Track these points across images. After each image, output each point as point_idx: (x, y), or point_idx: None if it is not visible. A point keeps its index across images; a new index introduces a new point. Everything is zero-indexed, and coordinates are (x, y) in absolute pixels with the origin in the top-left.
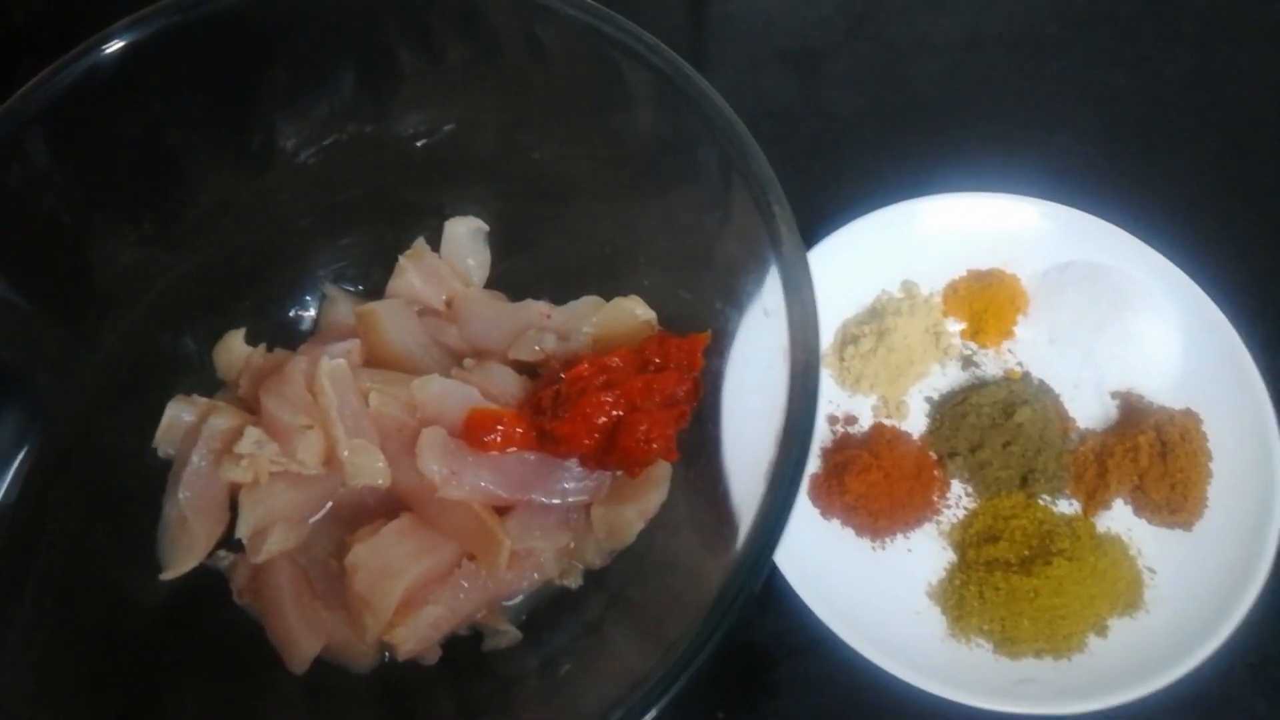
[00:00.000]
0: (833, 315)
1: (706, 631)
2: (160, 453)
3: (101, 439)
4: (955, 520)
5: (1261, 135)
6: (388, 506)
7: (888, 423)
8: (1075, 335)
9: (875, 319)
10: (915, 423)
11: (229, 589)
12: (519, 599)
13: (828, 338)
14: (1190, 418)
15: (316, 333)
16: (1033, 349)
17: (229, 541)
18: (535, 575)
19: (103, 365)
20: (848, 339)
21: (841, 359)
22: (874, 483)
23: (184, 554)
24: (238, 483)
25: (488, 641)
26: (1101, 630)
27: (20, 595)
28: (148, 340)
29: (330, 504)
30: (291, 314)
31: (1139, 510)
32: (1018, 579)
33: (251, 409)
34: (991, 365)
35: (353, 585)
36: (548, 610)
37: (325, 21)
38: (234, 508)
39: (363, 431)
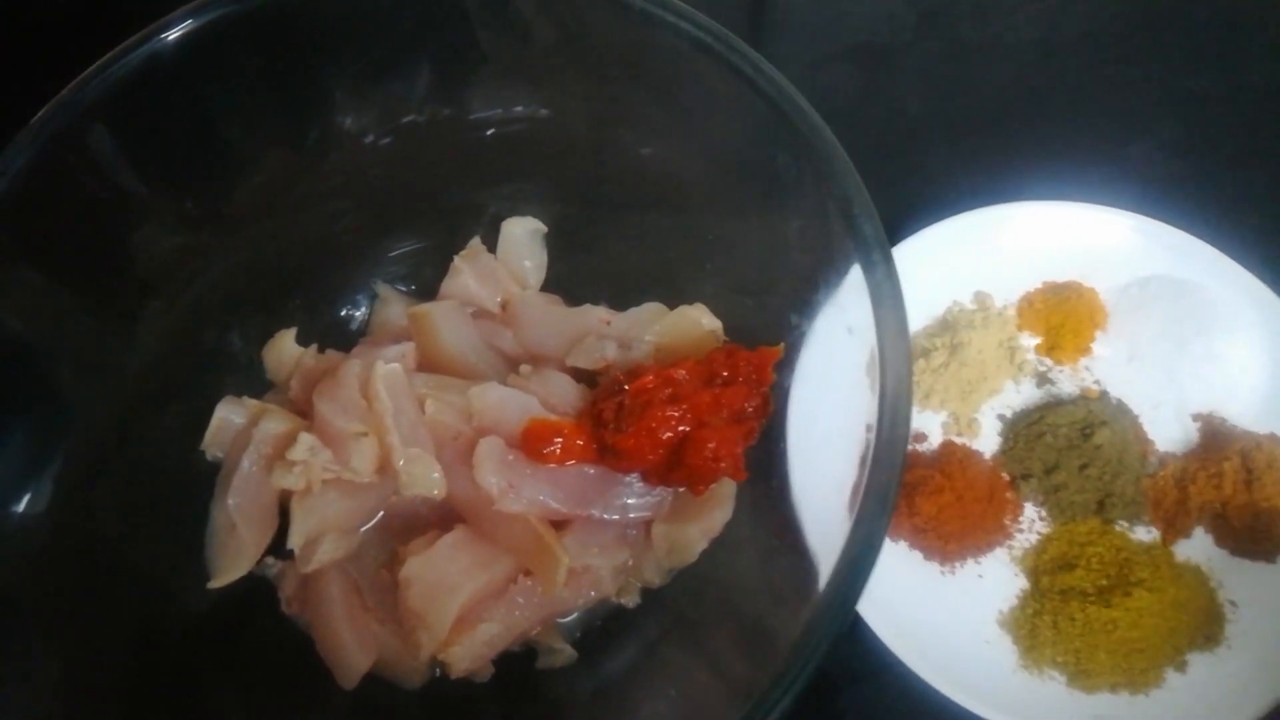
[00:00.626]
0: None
1: (792, 675)
2: (209, 456)
3: (146, 440)
4: (1028, 545)
5: None
6: (441, 517)
7: (958, 441)
8: (1156, 353)
9: (947, 331)
10: (987, 441)
11: (276, 598)
12: (574, 616)
13: None
14: (1277, 444)
15: (368, 334)
16: (1111, 367)
17: (277, 549)
18: (592, 593)
19: (147, 363)
20: (918, 352)
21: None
22: (945, 504)
23: (232, 561)
24: (287, 489)
25: (542, 660)
26: (1180, 665)
27: (63, 601)
28: (193, 338)
29: (382, 513)
30: (342, 313)
31: (1220, 540)
32: (1095, 609)
33: (302, 412)
34: (1067, 383)
35: (406, 600)
36: (603, 629)
37: (387, 8)
38: (283, 514)
39: (418, 440)
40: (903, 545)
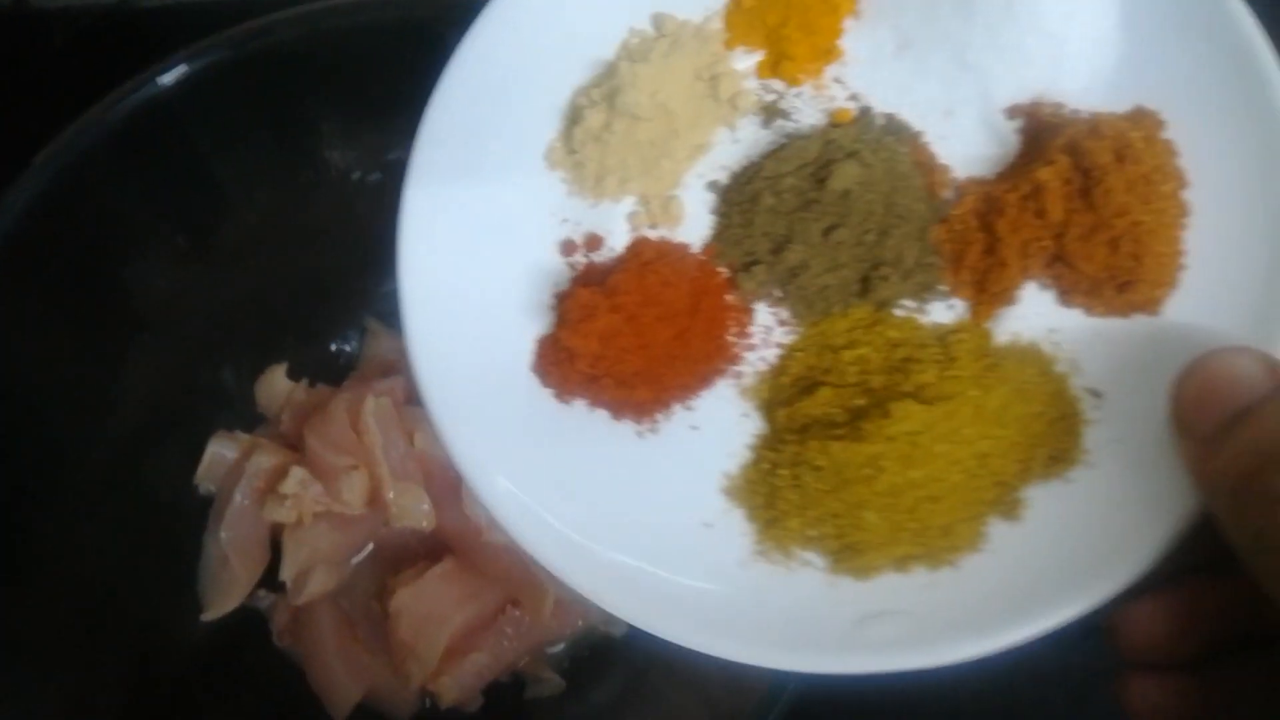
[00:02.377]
0: (556, 86)
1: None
2: (201, 489)
3: (140, 475)
4: (765, 369)
5: None
6: (430, 548)
7: (653, 234)
8: (935, 30)
9: (609, 78)
10: (696, 226)
11: (269, 630)
12: (562, 646)
13: (551, 123)
14: (1140, 122)
15: (359, 369)
16: (873, 70)
17: (269, 581)
18: (580, 622)
19: (141, 399)
20: (575, 117)
21: (572, 150)
22: (612, 333)
23: (225, 594)
24: (279, 522)
25: (530, 690)
26: (1010, 509)
27: (60, 638)
28: (187, 374)
29: (372, 545)
30: (333, 348)
31: (1066, 295)
32: (843, 447)
33: (294, 445)
34: (810, 111)
35: (397, 631)
36: (591, 658)
37: (382, 41)
38: (275, 547)
39: (408, 472)
40: (581, 407)
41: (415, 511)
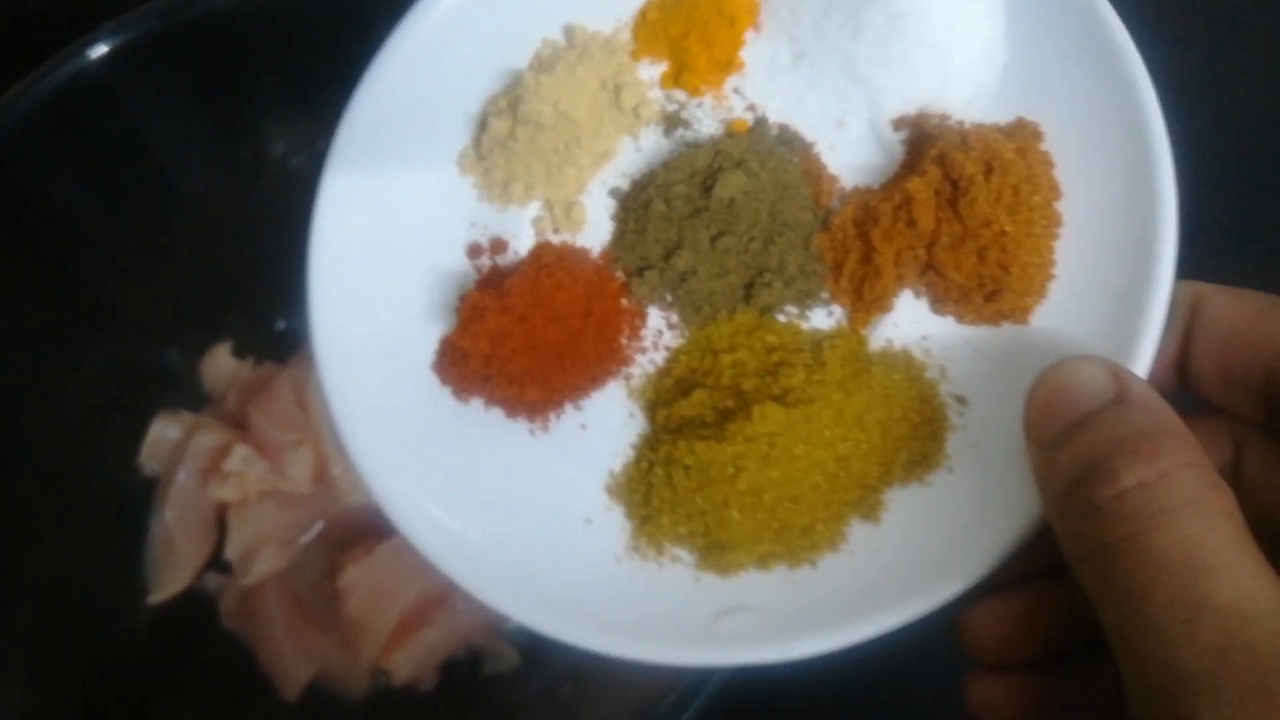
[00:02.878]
0: (472, 93)
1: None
2: (146, 471)
3: (87, 457)
4: (653, 370)
5: None
6: (381, 525)
7: (556, 239)
8: (827, 42)
9: (515, 87)
10: (597, 231)
11: (218, 612)
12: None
13: (466, 129)
14: (1016, 134)
15: (306, 345)
16: (770, 81)
17: (217, 563)
18: None
19: (86, 383)
20: (483, 125)
21: (481, 156)
22: (501, 334)
23: (171, 576)
24: (226, 502)
25: (487, 665)
26: (870, 510)
27: (5, 619)
28: (133, 355)
29: (322, 523)
30: (280, 326)
31: (938, 303)
32: (706, 447)
33: (240, 425)
34: (709, 120)
35: (346, 608)
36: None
37: (317, 21)
38: (222, 528)
39: None
40: (478, 407)
41: (362, 486)
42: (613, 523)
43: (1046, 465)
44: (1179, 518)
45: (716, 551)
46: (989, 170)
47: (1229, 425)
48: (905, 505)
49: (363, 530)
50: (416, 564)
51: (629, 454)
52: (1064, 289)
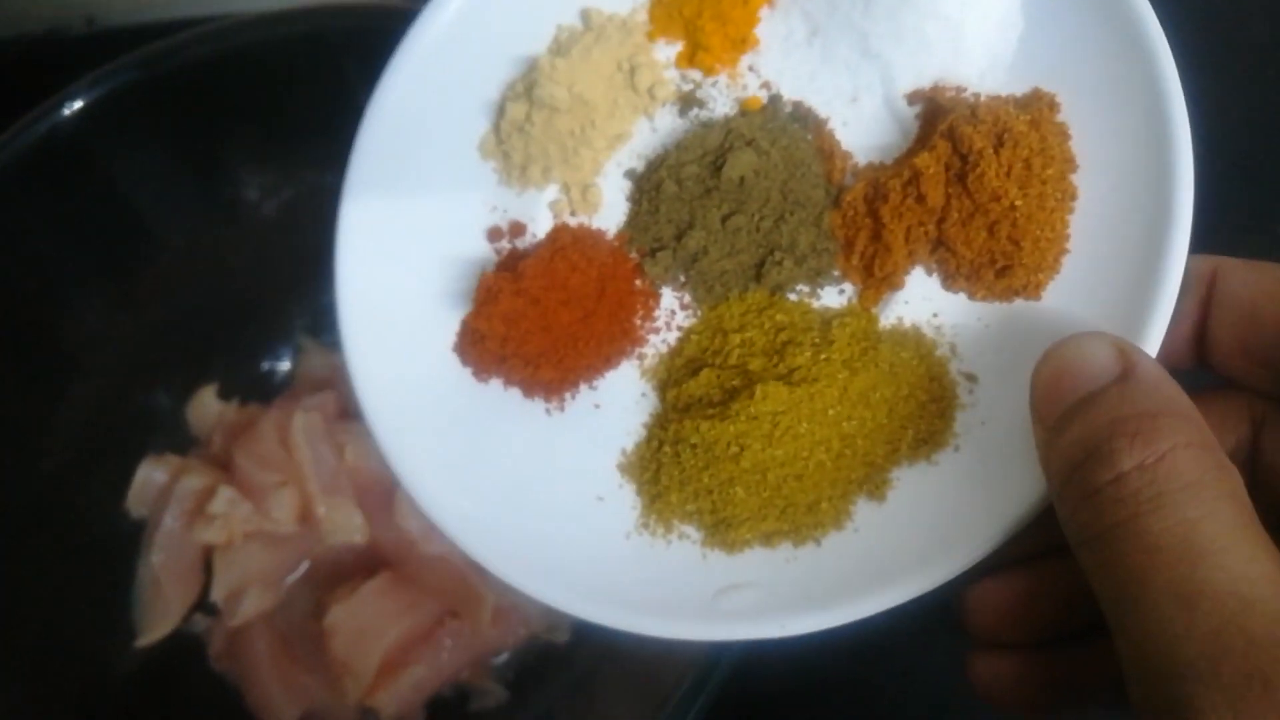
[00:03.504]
0: (491, 81)
1: (696, 688)
2: (133, 514)
3: (75, 500)
4: (665, 350)
5: None
6: (367, 564)
7: (572, 221)
8: (840, 17)
9: (530, 72)
10: (613, 213)
11: (205, 654)
12: (505, 656)
13: (486, 117)
14: (1031, 106)
15: (291, 386)
16: (784, 58)
17: (204, 605)
18: (521, 631)
19: (73, 424)
20: (501, 110)
21: (499, 141)
22: (516, 316)
23: (158, 619)
24: (212, 544)
25: (474, 702)
26: (877, 488)
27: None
28: (119, 397)
29: (307, 563)
30: (266, 367)
31: (949, 279)
32: (710, 425)
33: (225, 466)
34: (724, 100)
35: (332, 648)
36: (535, 667)
37: (292, 67)
38: (209, 569)
39: (339, 487)
40: (497, 387)
41: (347, 526)
42: (624, 500)
43: (1049, 446)
44: (1177, 501)
45: (722, 529)
46: (999, 143)
47: (1247, 402)
48: (912, 484)
49: (347, 570)
50: (402, 602)
51: (641, 433)
52: (1078, 263)
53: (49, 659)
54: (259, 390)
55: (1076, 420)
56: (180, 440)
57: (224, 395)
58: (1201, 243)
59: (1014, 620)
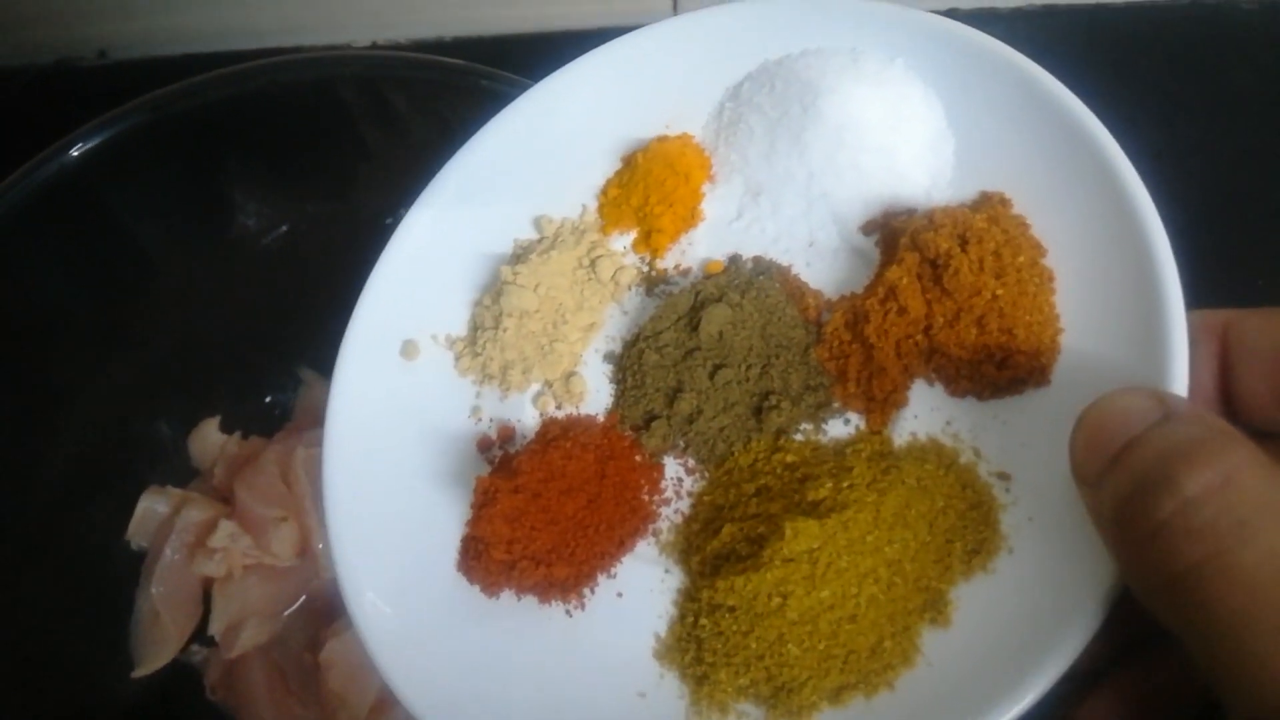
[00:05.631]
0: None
1: None
2: (134, 545)
3: (76, 530)
4: (680, 519)
5: None
6: None
7: (560, 414)
8: (778, 171)
9: (495, 281)
10: (600, 399)
11: (202, 685)
12: None
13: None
14: (983, 205)
15: (292, 420)
16: (736, 221)
17: (202, 636)
18: None
19: (76, 455)
20: (474, 323)
21: (475, 353)
22: (517, 514)
23: (157, 650)
24: (211, 576)
25: None
26: (939, 613)
27: None
28: (121, 429)
29: (304, 597)
30: (268, 400)
31: (951, 384)
32: (745, 580)
33: (226, 498)
34: (687, 270)
35: (328, 682)
36: None
37: (293, 109)
38: (207, 601)
39: None
40: (509, 599)
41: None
42: (668, 691)
43: (1096, 499)
44: (1263, 526)
45: (784, 697)
46: (964, 242)
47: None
48: (975, 599)
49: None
50: None
51: (672, 613)
52: (1078, 341)
53: (48, 687)
54: (261, 423)
55: (1122, 463)
56: (182, 472)
57: (226, 428)
58: (1208, 291)
59: None
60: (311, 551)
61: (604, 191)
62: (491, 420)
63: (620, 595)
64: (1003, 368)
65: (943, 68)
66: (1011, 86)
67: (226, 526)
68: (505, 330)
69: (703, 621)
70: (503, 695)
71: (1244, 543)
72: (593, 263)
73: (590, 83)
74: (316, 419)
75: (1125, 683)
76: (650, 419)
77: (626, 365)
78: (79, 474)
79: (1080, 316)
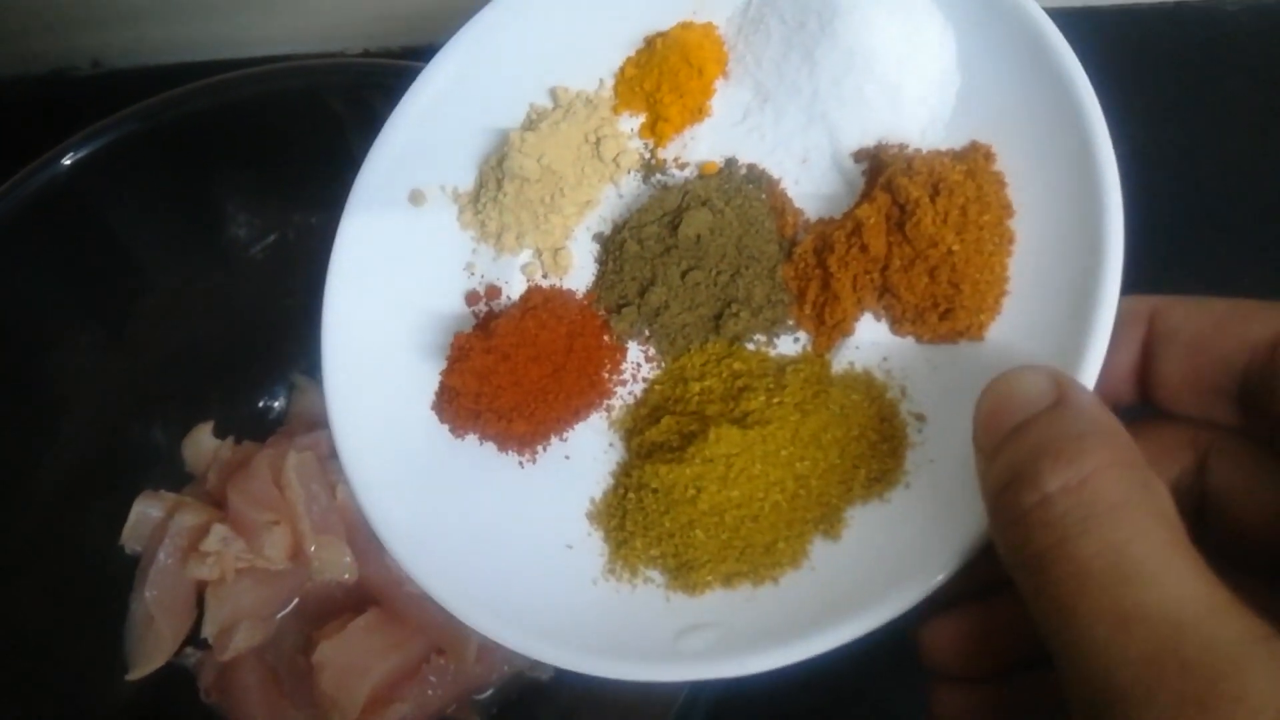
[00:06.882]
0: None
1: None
2: (127, 549)
3: (71, 535)
4: (631, 402)
5: None
6: (355, 600)
7: (545, 283)
8: (787, 83)
9: (502, 146)
10: (583, 274)
11: (196, 687)
12: (489, 692)
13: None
14: (966, 157)
15: (285, 424)
16: (739, 124)
17: (195, 639)
18: (505, 668)
19: (69, 460)
20: (478, 182)
21: (476, 211)
22: (487, 372)
23: (150, 653)
24: (205, 580)
25: None
26: (832, 527)
27: None
28: (115, 434)
29: (297, 599)
30: (261, 404)
31: (897, 324)
32: (669, 469)
33: (219, 503)
34: (688, 166)
35: (320, 683)
36: (519, 703)
37: (283, 118)
38: (201, 604)
39: (330, 526)
40: (472, 442)
41: (337, 564)
42: (592, 547)
43: (984, 471)
44: (1105, 523)
45: (685, 571)
46: (935, 192)
47: (1190, 432)
48: (865, 521)
49: (336, 606)
50: (389, 639)
51: (609, 482)
52: (1018, 304)
53: (41, 691)
54: (254, 428)
55: (1008, 446)
56: (176, 477)
57: (219, 433)
58: (1194, 291)
59: (968, 654)
60: (304, 555)
61: (622, 70)
62: (483, 277)
63: (568, 458)
64: (944, 318)
65: (967, 5)
66: (1024, 44)
67: (219, 530)
68: (505, 194)
69: (630, 495)
70: (458, 525)
71: (1084, 535)
72: (598, 141)
73: None
74: (308, 424)
75: (971, 613)
76: (622, 305)
77: (609, 250)
78: (73, 480)
79: (1028, 282)
